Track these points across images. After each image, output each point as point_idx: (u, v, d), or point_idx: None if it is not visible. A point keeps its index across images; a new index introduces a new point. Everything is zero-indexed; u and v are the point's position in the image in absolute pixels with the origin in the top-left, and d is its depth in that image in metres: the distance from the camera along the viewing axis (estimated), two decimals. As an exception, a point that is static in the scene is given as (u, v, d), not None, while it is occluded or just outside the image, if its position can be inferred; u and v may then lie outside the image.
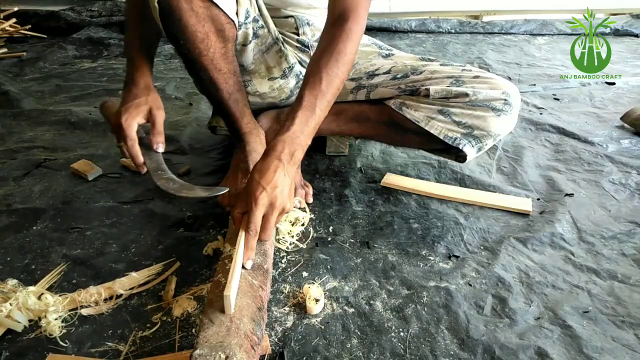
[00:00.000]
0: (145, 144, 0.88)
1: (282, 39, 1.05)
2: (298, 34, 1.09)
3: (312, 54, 1.10)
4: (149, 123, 0.89)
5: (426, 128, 0.98)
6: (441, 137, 0.97)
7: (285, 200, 0.76)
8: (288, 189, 0.77)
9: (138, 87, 0.90)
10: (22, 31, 2.43)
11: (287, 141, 0.78)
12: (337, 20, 0.85)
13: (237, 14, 0.89)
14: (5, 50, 2.20)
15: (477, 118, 0.95)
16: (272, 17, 1.02)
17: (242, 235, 0.73)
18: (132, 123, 0.86)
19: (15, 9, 2.50)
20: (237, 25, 0.90)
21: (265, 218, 0.75)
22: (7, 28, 2.38)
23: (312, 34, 1.10)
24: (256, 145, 1.02)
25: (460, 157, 1.01)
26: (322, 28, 1.10)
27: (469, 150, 0.98)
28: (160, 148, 0.89)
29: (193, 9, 0.80)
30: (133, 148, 0.85)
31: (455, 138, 0.97)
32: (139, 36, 0.94)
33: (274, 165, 0.75)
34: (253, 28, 0.96)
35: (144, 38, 0.94)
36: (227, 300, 0.61)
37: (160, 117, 0.89)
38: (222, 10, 0.83)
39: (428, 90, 0.98)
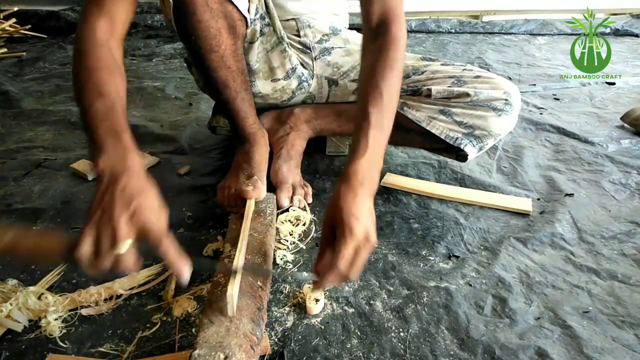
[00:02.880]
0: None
1: (287, 39, 1.05)
2: (299, 36, 1.09)
3: (313, 55, 1.10)
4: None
5: (428, 128, 0.98)
6: (443, 137, 0.97)
7: (375, 234, 0.65)
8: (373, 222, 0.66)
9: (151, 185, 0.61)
10: (22, 31, 2.43)
11: (365, 165, 0.68)
12: (379, 27, 0.78)
13: (248, 10, 0.89)
14: (5, 50, 2.20)
15: (478, 118, 0.95)
16: None
17: (244, 235, 0.73)
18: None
19: (15, 9, 2.50)
20: (249, 22, 0.89)
21: (356, 252, 0.62)
22: (7, 28, 2.38)
23: (314, 36, 1.10)
24: (260, 146, 1.02)
25: (461, 156, 1.01)
26: (323, 30, 1.11)
27: (470, 149, 0.98)
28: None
29: (208, 4, 0.79)
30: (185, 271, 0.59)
31: (457, 138, 0.97)
32: (116, 94, 0.67)
33: (360, 193, 0.65)
34: (260, 25, 0.96)
35: (120, 97, 0.68)
36: (231, 300, 0.61)
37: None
38: (235, 6, 0.83)
39: (430, 90, 0.98)
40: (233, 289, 0.62)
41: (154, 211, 0.56)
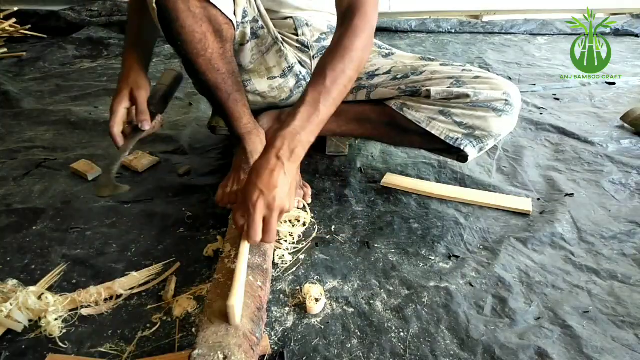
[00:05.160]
0: (134, 127, 0.92)
1: (281, 39, 1.05)
2: (297, 35, 1.09)
3: (311, 54, 1.10)
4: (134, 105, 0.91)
5: (427, 129, 0.98)
6: (442, 137, 0.97)
7: (284, 201, 0.72)
8: (288, 188, 0.73)
9: (125, 77, 0.92)
10: (22, 31, 2.43)
11: (287, 137, 0.73)
12: (344, 18, 0.83)
13: (234, 13, 0.89)
14: (5, 50, 2.20)
15: (478, 119, 0.95)
16: (270, 18, 1.02)
17: (244, 242, 0.72)
18: (117, 109, 0.89)
19: (15, 9, 2.50)
20: (235, 25, 0.89)
21: (265, 221, 0.71)
22: (7, 28, 2.38)
23: (312, 35, 1.10)
24: (256, 145, 1.02)
25: (462, 157, 1.01)
26: (321, 29, 1.11)
27: (470, 150, 0.98)
28: (145, 126, 0.90)
29: (190, 9, 0.79)
30: (112, 130, 0.89)
31: (457, 139, 0.97)
32: (137, 27, 0.97)
33: (272, 163, 0.72)
34: (252, 28, 0.96)
35: (141, 29, 0.97)
36: (232, 310, 0.60)
37: (141, 96, 0.90)
38: (219, 10, 0.83)
39: (429, 91, 0.98)
40: (235, 299, 0.61)
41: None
